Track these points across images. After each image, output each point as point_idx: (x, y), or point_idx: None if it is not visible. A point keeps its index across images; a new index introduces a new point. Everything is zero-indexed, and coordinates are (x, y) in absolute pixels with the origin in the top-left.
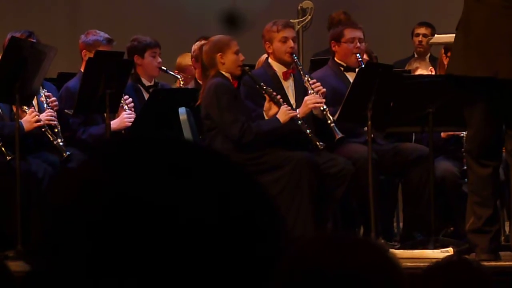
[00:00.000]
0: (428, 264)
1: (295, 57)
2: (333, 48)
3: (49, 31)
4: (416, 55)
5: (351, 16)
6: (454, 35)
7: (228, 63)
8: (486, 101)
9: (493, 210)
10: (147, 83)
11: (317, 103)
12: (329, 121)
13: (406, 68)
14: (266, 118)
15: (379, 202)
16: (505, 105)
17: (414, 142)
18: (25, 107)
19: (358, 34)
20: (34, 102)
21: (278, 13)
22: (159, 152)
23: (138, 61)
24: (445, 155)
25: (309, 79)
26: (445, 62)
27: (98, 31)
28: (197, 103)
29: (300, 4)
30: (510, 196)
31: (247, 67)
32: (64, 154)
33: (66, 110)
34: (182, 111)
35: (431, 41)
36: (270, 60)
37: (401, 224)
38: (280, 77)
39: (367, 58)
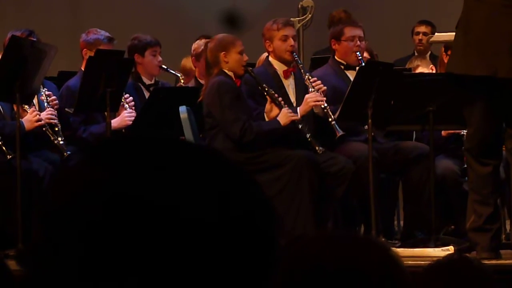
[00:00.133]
0: (429, 262)
1: (296, 56)
2: (333, 47)
3: (50, 30)
4: (416, 54)
5: (351, 14)
6: (453, 33)
7: (231, 62)
8: (485, 99)
9: (494, 209)
10: (147, 82)
11: (318, 101)
12: (330, 119)
13: (407, 66)
14: (266, 119)
15: (380, 200)
16: (504, 103)
17: (415, 140)
18: (26, 106)
19: (358, 32)
20: (35, 101)
21: (278, 11)
22: (158, 151)
23: (139, 60)
24: (446, 153)
25: (310, 77)
26: (446, 61)
27: (99, 30)
28: (199, 99)
29: (301, 3)
30: (511, 195)
31: (250, 68)
32: (65, 153)
33: (66, 109)
34: (182, 109)
35: (431, 39)
36: (270, 58)
37: (401, 223)
38: (280, 76)
39: (368, 56)
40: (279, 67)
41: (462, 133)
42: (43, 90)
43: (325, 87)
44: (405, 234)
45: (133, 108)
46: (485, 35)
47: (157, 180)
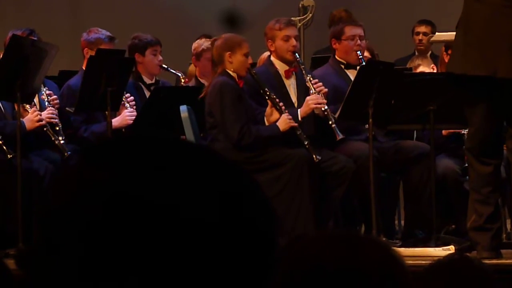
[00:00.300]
0: (430, 262)
1: (297, 56)
2: (334, 46)
3: (50, 29)
4: (417, 53)
5: (352, 13)
6: (454, 33)
7: (235, 63)
8: (486, 99)
9: (494, 208)
10: (148, 81)
11: (319, 103)
12: (330, 122)
13: (408, 66)
14: (266, 123)
15: (380, 200)
16: (505, 103)
17: (416, 139)
18: (27, 105)
19: (359, 31)
20: (36, 100)
21: (279, 11)
22: (159, 151)
23: (139, 59)
24: (446, 152)
25: (311, 79)
26: (446, 60)
27: (100, 29)
28: (201, 95)
29: (301, 2)
30: (511, 194)
31: (254, 71)
32: (66, 154)
33: (67, 108)
34: (183, 109)
35: (432, 39)
36: (272, 58)
37: (402, 222)
38: (282, 76)
39: (369, 55)
40: (281, 67)
41: (462, 132)
42: (44, 90)
43: (326, 89)
44: (405, 233)
45: (134, 107)
46: (485, 35)
47: (158, 180)
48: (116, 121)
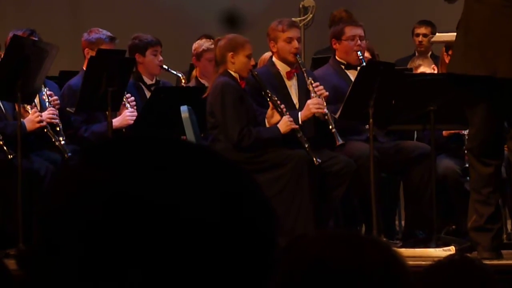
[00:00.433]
0: (430, 262)
1: (299, 59)
2: (334, 46)
3: (51, 29)
4: (417, 54)
5: (352, 14)
6: (454, 33)
7: (238, 64)
8: (487, 99)
9: (495, 208)
10: (148, 82)
11: (320, 108)
12: (330, 127)
13: (408, 66)
14: (267, 125)
15: (381, 200)
16: (506, 103)
17: (416, 140)
18: (27, 106)
19: (359, 31)
20: (36, 100)
21: (279, 11)
22: (159, 151)
23: (140, 59)
24: (447, 153)
25: (312, 82)
26: (447, 60)
27: (100, 29)
28: (204, 95)
29: (302, 3)
30: None
31: (256, 72)
32: (66, 155)
33: (68, 108)
34: (184, 109)
35: (432, 39)
36: (274, 59)
37: (402, 222)
38: (283, 77)
39: (369, 56)
40: (282, 68)
41: (463, 132)
42: (45, 90)
43: (327, 93)
44: (406, 234)
45: (135, 107)
46: (486, 36)
47: (158, 180)
48: (116, 121)
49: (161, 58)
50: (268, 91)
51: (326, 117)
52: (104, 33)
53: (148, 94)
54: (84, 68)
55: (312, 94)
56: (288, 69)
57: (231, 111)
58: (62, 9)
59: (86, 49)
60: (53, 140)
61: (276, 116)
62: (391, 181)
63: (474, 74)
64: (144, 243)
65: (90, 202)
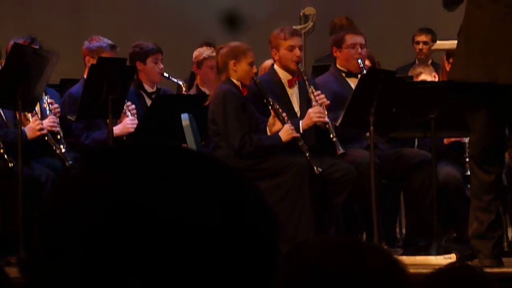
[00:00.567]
0: (431, 270)
1: (301, 67)
2: (335, 54)
3: (52, 36)
4: (417, 62)
5: (353, 21)
6: (455, 41)
7: (240, 72)
8: (488, 106)
9: (496, 216)
10: (149, 89)
11: (321, 116)
12: (331, 135)
13: (410, 74)
14: (268, 133)
15: (382, 207)
16: (507, 110)
17: (417, 148)
18: (28, 114)
19: (359, 39)
20: (37, 108)
21: (280, 19)
22: (160, 159)
23: (140, 67)
24: (448, 160)
25: (314, 90)
26: (447, 68)
27: (101, 37)
28: (206, 103)
29: (303, 11)
30: None
31: (258, 80)
32: (67, 163)
33: (68, 116)
34: (184, 117)
35: (433, 47)
36: (275, 67)
37: (403, 230)
38: (285, 84)
39: (369, 64)
40: (284, 76)
41: (464, 140)
42: (46, 98)
43: (328, 101)
44: (407, 241)
45: (135, 115)
46: (487, 42)
47: (159, 188)
48: (117, 129)
49: (162, 66)
50: (270, 99)
51: (327, 125)
52: (105, 41)
53: (149, 102)
54: (85, 76)
55: (313, 103)
56: (290, 77)
57: (232, 118)
58: (63, 17)
59: (87, 57)
60: (54, 148)
61: (278, 124)
62: (392, 188)
63: (475, 81)
64: (145, 251)
65: (91, 209)
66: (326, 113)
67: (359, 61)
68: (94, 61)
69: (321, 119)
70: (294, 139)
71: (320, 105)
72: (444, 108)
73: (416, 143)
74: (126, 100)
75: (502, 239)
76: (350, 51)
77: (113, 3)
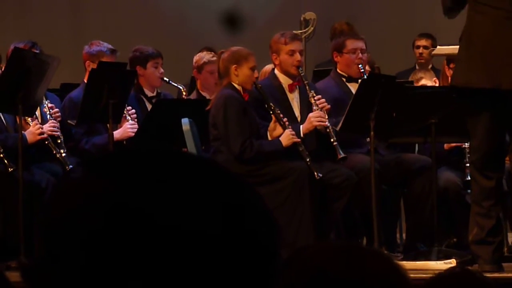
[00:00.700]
0: (431, 275)
1: (301, 71)
2: (335, 59)
3: (52, 41)
4: (417, 67)
5: (353, 26)
6: (456, 46)
7: (241, 76)
8: (489, 112)
9: (496, 221)
10: (149, 94)
11: (321, 121)
12: (332, 140)
13: (410, 79)
14: (269, 138)
15: (382, 212)
16: (509, 115)
17: (417, 153)
18: (28, 118)
19: (360, 44)
20: (37, 113)
21: (281, 24)
22: (160, 163)
23: (141, 72)
24: (448, 165)
25: (314, 95)
26: (448, 74)
27: (101, 42)
28: (207, 108)
29: (303, 15)
30: None
31: (260, 85)
32: (67, 167)
33: (69, 121)
34: (185, 121)
35: (433, 52)
36: (276, 71)
37: (404, 235)
38: (285, 89)
39: (369, 69)
40: (285, 81)
41: (464, 146)
42: (46, 102)
43: (329, 106)
44: (407, 246)
45: (135, 120)
46: (488, 48)
47: (159, 192)
48: (117, 134)
49: (162, 70)
50: (271, 104)
51: (328, 130)
52: (105, 45)
53: (149, 106)
54: (85, 81)
55: (314, 107)
56: (290, 81)
57: (233, 123)
58: (63, 21)
59: (87, 61)
60: (54, 152)
61: (279, 129)
62: (392, 194)
63: (477, 86)
64: (145, 255)
65: (91, 213)
66: (326, 117)
67: (360, 66)
68: (94, 66)
69: (322, 124)
70: (294, 144)
71: (321, 109)
72: (444, 114)
73: (416, 148)
74: (126, 105)
75: (502, 245)
76: (350, 56)
77: (114, 7)
